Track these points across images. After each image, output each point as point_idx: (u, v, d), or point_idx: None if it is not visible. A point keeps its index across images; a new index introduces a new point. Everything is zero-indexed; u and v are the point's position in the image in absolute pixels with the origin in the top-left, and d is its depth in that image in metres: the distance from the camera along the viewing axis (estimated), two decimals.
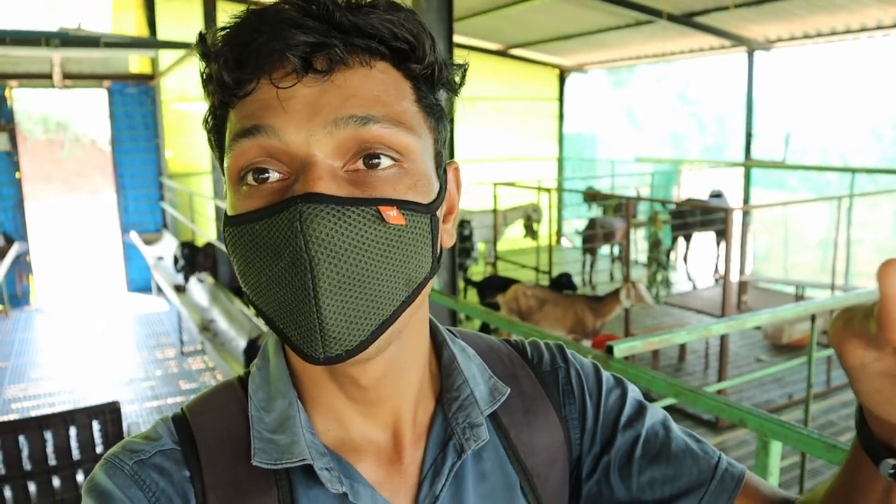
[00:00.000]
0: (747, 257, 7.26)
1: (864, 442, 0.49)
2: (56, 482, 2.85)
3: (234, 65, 0.51)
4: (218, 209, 7.42)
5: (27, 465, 2.80)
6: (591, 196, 9.34)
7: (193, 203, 8.32)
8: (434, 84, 0.56)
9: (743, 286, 6.90)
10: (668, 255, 6.35)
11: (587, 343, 5.13)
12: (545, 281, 7.14)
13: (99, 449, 2.92)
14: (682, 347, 6.09)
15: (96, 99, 14.21)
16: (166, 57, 8.45)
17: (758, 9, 7.29)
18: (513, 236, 9.67)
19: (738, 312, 6.27)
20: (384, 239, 0.50)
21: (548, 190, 8.45)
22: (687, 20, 8.08)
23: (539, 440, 0.66)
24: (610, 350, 2.08)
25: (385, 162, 0.51)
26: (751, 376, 3.27)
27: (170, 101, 9.25)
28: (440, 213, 0.57)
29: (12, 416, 5.32)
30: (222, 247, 5.12)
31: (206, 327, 5.87)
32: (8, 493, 2.74)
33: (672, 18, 7.92)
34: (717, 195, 8.66)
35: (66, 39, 6.28)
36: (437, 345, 0.66)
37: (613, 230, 8.58)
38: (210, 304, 6.53)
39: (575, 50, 10.74)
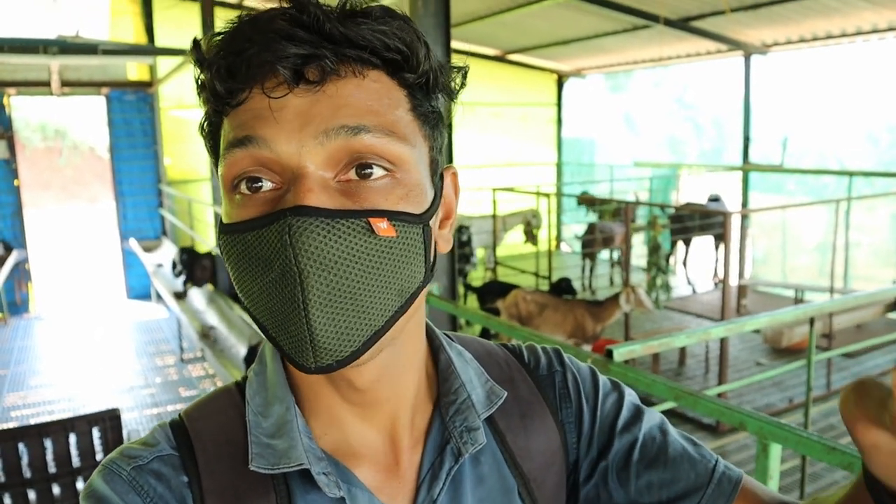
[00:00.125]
0: (746, 261, 7.26)
1: (869, 485, 0.46)
2: (56, 490, 2.85)
3: (227, 74, 0.51)
4: (217, 216, 7.41)
5: (27, 473, 2.79)
6: (585, 201, 9.33)
7: (192, 210, 8.32)
8: (430, 91, 0.56)
9: (742, 290, 6.91)
10: (667, 260, 6.34)
11: (587, 348, 5.12)
12: (545, 286, 7.13)
13: (99, 456, 2.92)
14: (682, 351, 6.08)
15: (94, 106, 14.24)
16: (164, 64, 8.43)
17: (754, 13, 7.31)
18: (512, 241, 9.67)
19: (737, 316, 6.27)
20: (375, 251, 0.50)
21: (546, 195, 8.45)
22: (684, 25, 8.10)
23: (536, 444, 0.66)
24: (610, 354, 2.08)
25: (377, 172, 0.51)
26: (751, 380, 3.26)
27: (168, 108, 9.25)
28: (435, 220, 0.57)
29: (12, 424, 5.30)
30: None
31: (206, 334, 5.86)
32: (8, 500, 2.74)
33: (669, 23, 7.95)
34: (715, 199, 8.66)
35: (65, 47, 6.29)
36: (434, 349, 0.66)
37: (613, 235, 8.57)
38: (209, 310, 6.52)
39: (573, 55, 10.76)
